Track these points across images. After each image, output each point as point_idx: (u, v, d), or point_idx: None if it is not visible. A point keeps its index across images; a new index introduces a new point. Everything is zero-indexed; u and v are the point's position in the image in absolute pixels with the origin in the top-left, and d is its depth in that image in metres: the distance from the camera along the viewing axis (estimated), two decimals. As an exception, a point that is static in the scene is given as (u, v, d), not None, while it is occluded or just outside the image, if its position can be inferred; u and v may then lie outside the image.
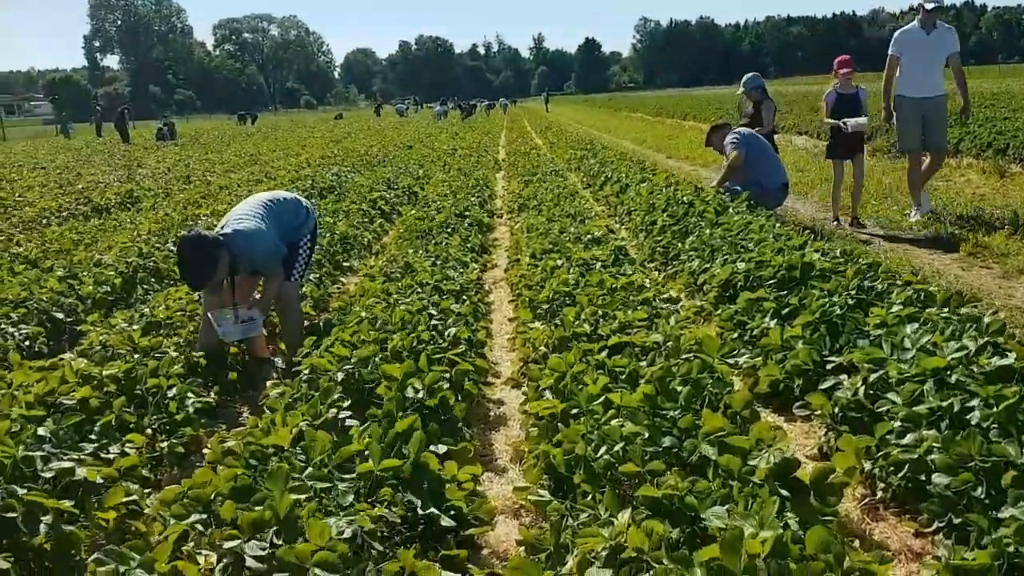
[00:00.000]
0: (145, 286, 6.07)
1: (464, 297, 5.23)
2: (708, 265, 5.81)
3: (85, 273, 5.81)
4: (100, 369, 3.59)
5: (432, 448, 3.01)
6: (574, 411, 3.17)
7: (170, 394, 3.65)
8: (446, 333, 4.22)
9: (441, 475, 2.84)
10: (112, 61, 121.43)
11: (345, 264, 7.14)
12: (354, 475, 2.63)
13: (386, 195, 10.64)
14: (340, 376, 3.40)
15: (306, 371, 3.61)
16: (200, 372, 4.16)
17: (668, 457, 2.83)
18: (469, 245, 7.19)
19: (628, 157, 13.77)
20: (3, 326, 4.65)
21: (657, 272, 6.35)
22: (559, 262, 5.60)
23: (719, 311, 4.93)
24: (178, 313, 4.73)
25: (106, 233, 8.26)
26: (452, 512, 2.75)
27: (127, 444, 3.32)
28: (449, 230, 7.52)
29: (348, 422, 3.07)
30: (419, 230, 7.39)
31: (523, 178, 11.70)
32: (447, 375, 3.71)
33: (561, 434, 3.03)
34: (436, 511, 2.67)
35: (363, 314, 4.23)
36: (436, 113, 44.84)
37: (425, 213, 8.34)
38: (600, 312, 4.15)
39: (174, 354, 4.08)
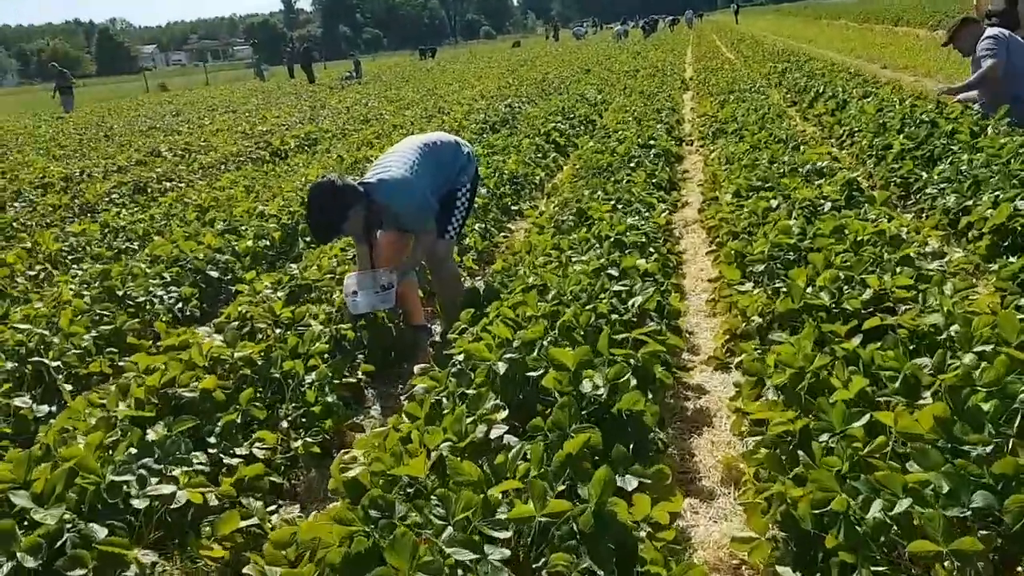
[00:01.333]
0: (307, 238, 5.67)
1: (651, 249, 4.33)
2: (970, 202, 4.50)
3: (244, 226, 5.47)
4: (231, 351, 3.08)
5: (619, 481, 2.22)
6: (822, 435, 2.23)
7: (308, 379, 3.09)
8: (630, 303, 3.36)
9: (631, 527, 2.04)
10: (305, 3, 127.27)
11: (514, 208, 6.41)
12: (509, 533, 1.89)
13: (561, 126, 9.76)
14: (502, 368, 2.66)
15: (459, 356, 2.91)
16: (347, 346, 3.60)
17: (977, 521, 1.86)
18: (655, 181, 6.20)
19: (839, 68, 11.92)
20: (153, 288, 4.33)
21: (897, 210, 5.07)
22: (773, 202, 4.52)
23: (996, 266, 3.70)
24: (327, 276, 4.20)
25: (279, 179, 8.05)
26: (648, 582, 1.96)
27: (256, 444, 2.80)
28: (632, 164, 6.54)
29: (506, 438, 2.33)
30: (596, 166, 6.48)
31: (716, 98, 10.36)
32: (632, 361, 2.88)
33: (805, 468, 2.12)
34: (625, 586, 1.88)
35: (529, 279, 3.46)
36: (616, 33, 42.78)
37: (604, 145, 7.39)
38: (842, 276, 3.10)
39: (318, 327, 3.53)
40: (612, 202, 5.20)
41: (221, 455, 2.69)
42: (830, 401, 2.29)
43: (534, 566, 1.91)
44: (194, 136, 12.74)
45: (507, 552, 1.79)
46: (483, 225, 5.59)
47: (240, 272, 4.85)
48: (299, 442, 2.87)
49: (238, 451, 2.77)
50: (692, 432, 3.05)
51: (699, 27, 47.70)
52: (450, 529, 1.80)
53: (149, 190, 8.15)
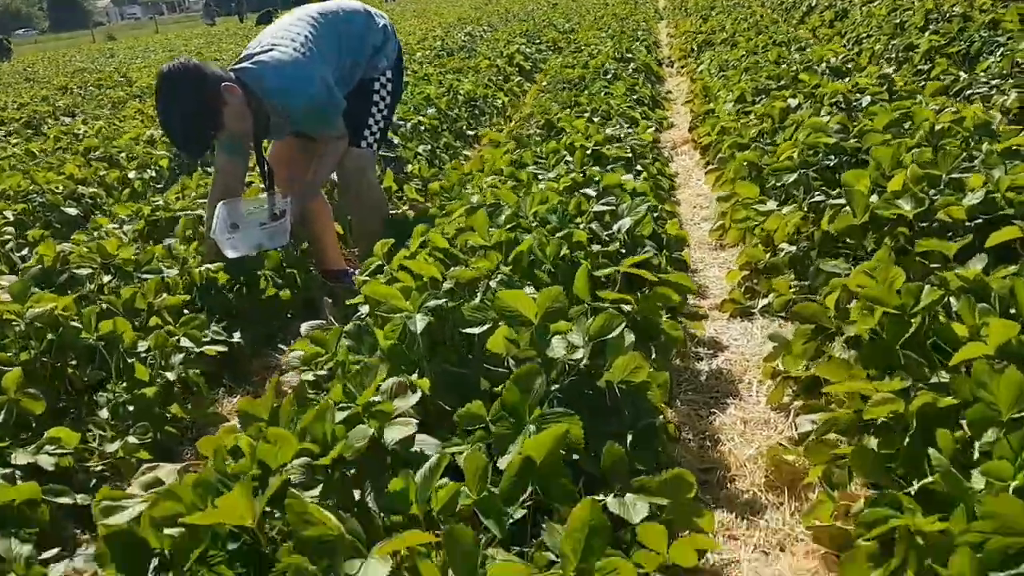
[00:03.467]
0: (209, 168, 4.58)
1: (638, 167, 3.34)
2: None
3: (127, 155, 4.36)
4: (21, 307, 2.05)
5: (615, 507, 1.28)
6: (987, 428, 1.28)
7: (140, 348, 2.08)
8: (617, 227, 2.38)
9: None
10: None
11: (471, 132, 5.36)
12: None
13: (526, 49, 8.64)
14: (420, 324, 1.67)
15: (361, 305, 1.93)
16: (218, 294, 2.58)
17: None
18: (637, 96, 5.18)
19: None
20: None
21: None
22: (792, 101, 3.54)
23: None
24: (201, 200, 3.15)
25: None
26: None
27: (46, 449, 1.81)
28: (608, 78, 5.50)
29: (418, 442, 1.36)
30: (567, 80, 5.43)
31: (697, 15, 9.28)
32: (626, 307, 1.93)
33: (947, 484, 1.18)
34: None
35: (474, 198, 2.45)
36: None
37: (575, 59, 6.32)
38: (924, 175, 2.13)
39: (171, 273, 2.51)
40: (587, 115, 4.18)
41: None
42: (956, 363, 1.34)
43: None
44: (111, 70, 11.37)
45: None
46: (430, 147, 4.55)
47: (112, 209, 3.78)
48: (119, 443, 1.87)
49: (19, 457, 1.78)
50: (711, 406, 2.10)
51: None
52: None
53: (46, 126, 6.94)
